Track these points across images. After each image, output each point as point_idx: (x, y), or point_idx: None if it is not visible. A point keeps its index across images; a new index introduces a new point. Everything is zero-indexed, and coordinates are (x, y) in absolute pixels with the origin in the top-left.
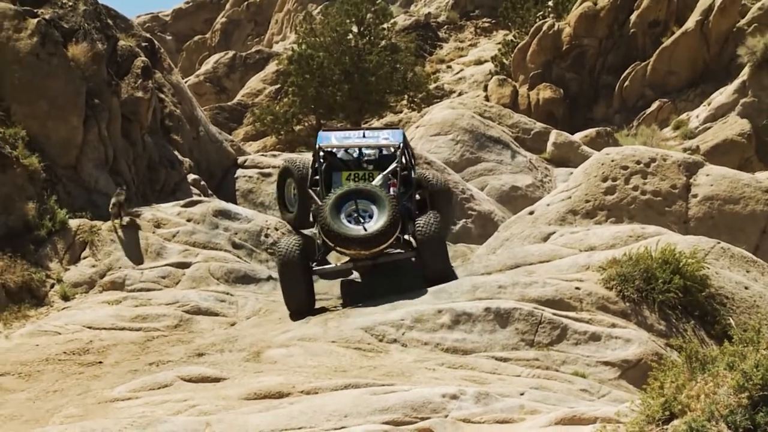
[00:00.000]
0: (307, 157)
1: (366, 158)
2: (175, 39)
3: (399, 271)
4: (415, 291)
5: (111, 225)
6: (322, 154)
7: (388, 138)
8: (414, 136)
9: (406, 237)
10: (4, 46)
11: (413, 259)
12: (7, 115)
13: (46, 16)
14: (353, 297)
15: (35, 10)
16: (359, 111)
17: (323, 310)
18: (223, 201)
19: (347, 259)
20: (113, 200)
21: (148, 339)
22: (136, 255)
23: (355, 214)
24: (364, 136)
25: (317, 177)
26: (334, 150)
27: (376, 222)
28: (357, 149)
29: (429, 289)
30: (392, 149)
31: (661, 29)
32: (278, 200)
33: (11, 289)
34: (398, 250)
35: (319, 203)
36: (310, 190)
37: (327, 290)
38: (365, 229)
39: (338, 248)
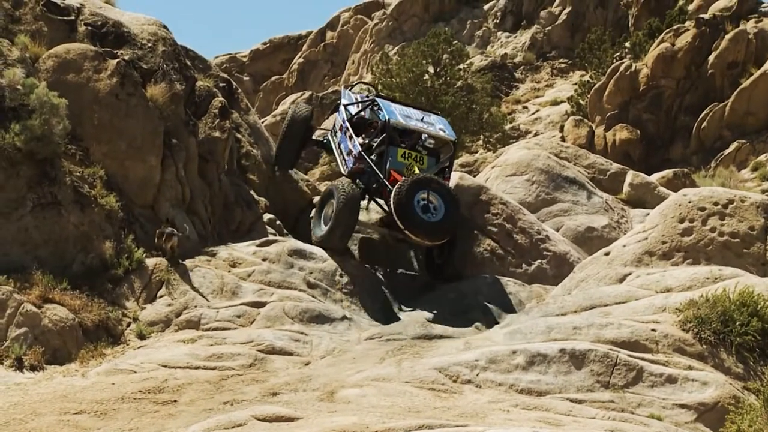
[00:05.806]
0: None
1: (422, 142)
2: (252, 79)
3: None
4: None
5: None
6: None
7: (444, 131)
8: (489, 176)
9: None
10: (83, 87)
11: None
12: (86, 154)
13: (126, 57)
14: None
15: (115, 51)
16: None
17: None
18: (298, 241)
19: None
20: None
21: (223, 378)
22: (211, 294)
23: (424, 203)
24: (422, 120)
25: (373, 146)
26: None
27: (443, 217)
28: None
29: (503, 330)
30: (442, 143)
31: (739, 70)
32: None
33: (88, 327)
34: None
35: (377, 173)
36: (366, 157)
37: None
38: (433, 222)
39: (407, 230)
